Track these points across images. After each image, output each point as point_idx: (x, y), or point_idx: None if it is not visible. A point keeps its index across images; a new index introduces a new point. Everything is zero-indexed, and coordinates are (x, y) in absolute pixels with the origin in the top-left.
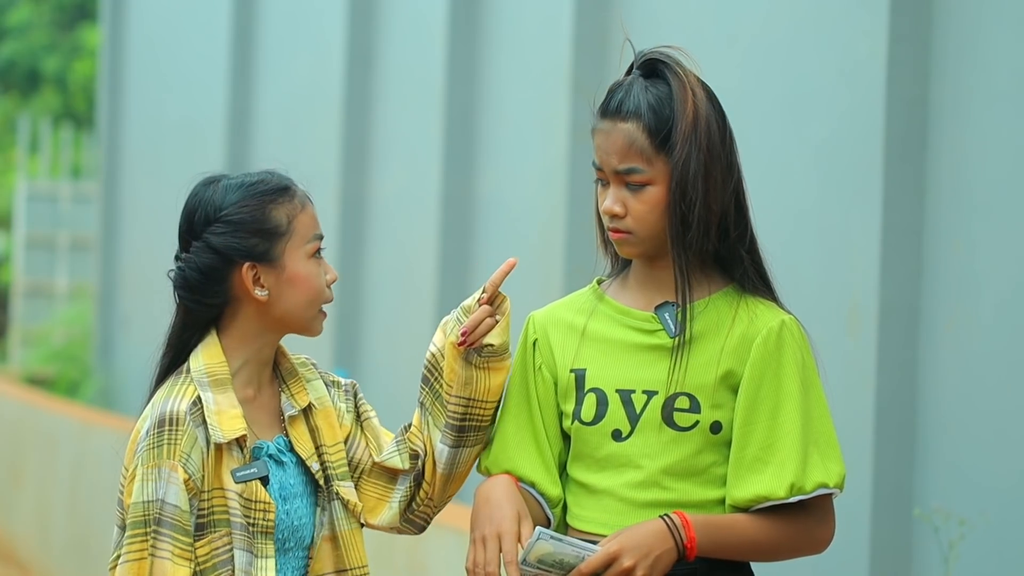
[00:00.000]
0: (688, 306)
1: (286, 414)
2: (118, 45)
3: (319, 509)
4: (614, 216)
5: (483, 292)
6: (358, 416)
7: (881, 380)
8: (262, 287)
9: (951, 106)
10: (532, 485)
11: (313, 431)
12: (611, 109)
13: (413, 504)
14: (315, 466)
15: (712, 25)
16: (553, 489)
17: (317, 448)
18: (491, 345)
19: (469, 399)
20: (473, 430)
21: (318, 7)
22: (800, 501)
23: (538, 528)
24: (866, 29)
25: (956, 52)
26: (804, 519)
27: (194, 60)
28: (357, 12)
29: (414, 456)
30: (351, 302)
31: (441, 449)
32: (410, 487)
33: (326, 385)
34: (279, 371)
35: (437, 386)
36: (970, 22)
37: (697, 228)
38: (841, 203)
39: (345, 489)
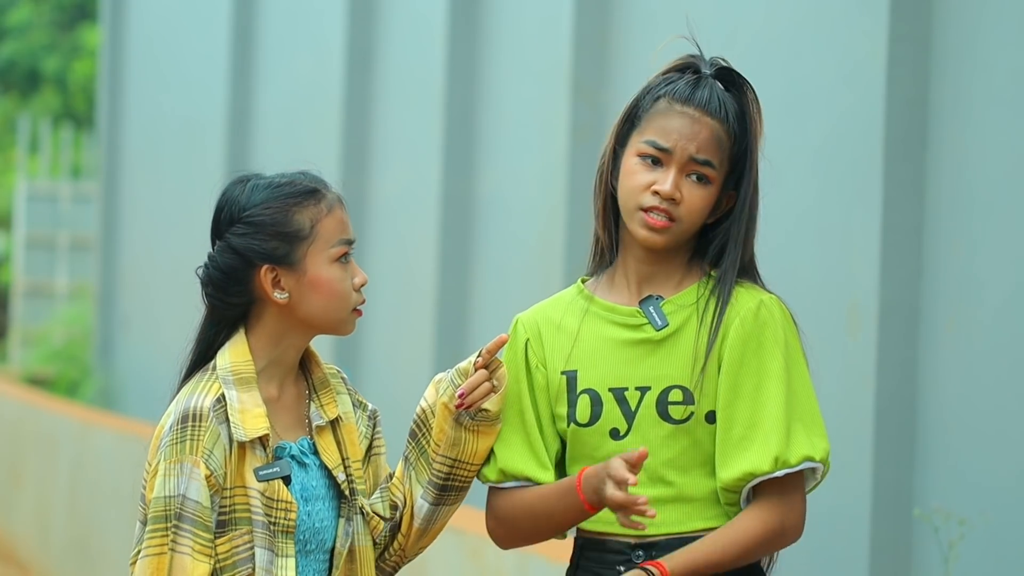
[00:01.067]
0: (724, 304)
1: (314, 423)
2: (118, 45)
3: (344, 520)
4: (670, 199)
5: (478, 356)
6: (370, 447)
7: (881, 380)
8: (282, 290)
9: (951, 106)
10: (526, 479)
11: (340, 443)
12: (699, 100)
13: (386, 553)
14: (341, 476)
15: (712, 25)
16: (543, 474)
17: (344, 460)
18: (486, 410)
19: (455, 460)
20: (455, 490)
21: (318, 7)
22: (775, 487)
23: None
24: (866, 29)
25: (956, 52)
26: (776, 506)
27: (194, 60)
28: (357, 12)
29: (394, 507)
30: None
31: (421, 504)
32: (385, 536)
33: (353, 404)
34: (311, 380)
35: (424, 442)
36: (970, 22)
37: (750, 238)
38: (841, 203)
39: (368, 504)
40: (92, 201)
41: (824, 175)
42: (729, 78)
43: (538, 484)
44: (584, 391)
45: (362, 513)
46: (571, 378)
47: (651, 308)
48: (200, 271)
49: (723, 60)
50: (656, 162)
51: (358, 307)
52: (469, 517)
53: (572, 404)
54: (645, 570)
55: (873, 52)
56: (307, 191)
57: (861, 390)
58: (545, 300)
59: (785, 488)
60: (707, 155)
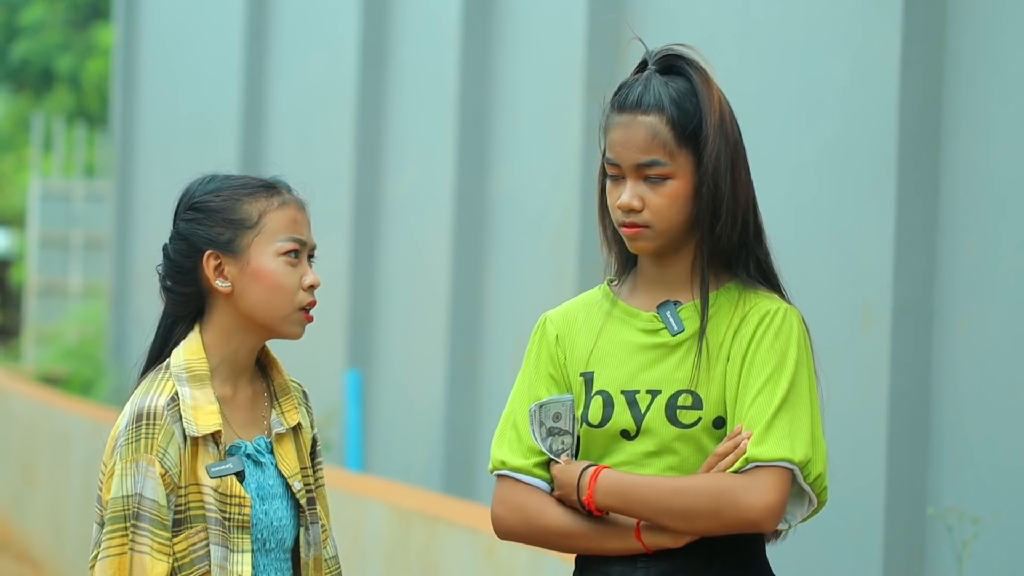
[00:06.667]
0: (702, 299)
1: (274, 431)
2: (132, 44)
3: (303, 529)
4: (631, 211)
5: None
6: (315, 475)
7: (894, 379)
8: (225, 278)
9: (965, 106)
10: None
11: (300, 451)
12: (630, 103)
13: None
14: (297, 484)
15: (726, 25)
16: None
17: (303, 469)
18: None
19: None
20: None
21: (332, 6)
22: (748, 471)
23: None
24: (879, 29)
25: (970, 52)
26: (732, 482)
27: (207, 59)
28: (371, 11)
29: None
30: (365, 301)
31: None
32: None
33: (310, 423)
34: (272, 385)
35: None
36: (984, 22)
37: (726, 221)
38: (854, 202)
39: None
40: (106, 200)
41: (838, 174)
42: (670, 62)
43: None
44: (598, 392)
45: (319, 523)
46: (588, 379)
47: (668, 313)
48: (158, 267)
49: (673, 48)
50: (620, 177)
51: (306, 308)
52: (483, 516)
53: (586, 405)
54: (585, 469)
55: (887, 51)
56: (261, 185)
57: (874, 389)
58: (571, 300)
59: (756, 472)
60: (650, 155)
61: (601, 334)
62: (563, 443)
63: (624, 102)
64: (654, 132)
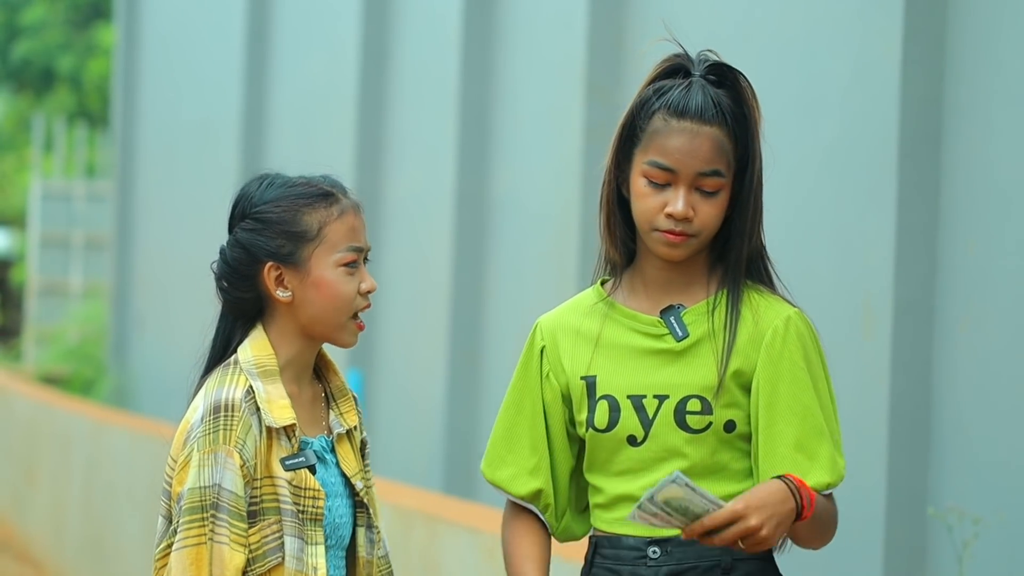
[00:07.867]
0: (731, 307)
1: (335, 431)
2: (133, 44)
3: (363, 528)
4: (685, 219)
5: None
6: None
7: (895, 379)
8: (285, 288)
9: (966, 106)
10: (527, 500)
11: (355, 452)
12: (692, 111)
13: None
14: (359, 484)
15: (726, 24)
16: (528, 484)
17: (361, 470)
18: None
19: None
20: None
21: (333, 6)
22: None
23: (676, 471)
24: (880, 28)
25: (971, 52)
26: (836, 508)
27: (209, 59)
28: (372, 11)
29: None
30: None
31: None
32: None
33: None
34: (328, 387)
35: None
36: (985, 21)
37: (760, 228)
38: (855, 203)
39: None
40: (106, 200)
41: (838, 174)
42: (719, 72)
43: (518, 496)
44: (603, 397)
45: (374, 524)
46: (590, 383)
47: (672, 319)
48: (214, 265)
49: (711, 53)
50: (664, 182)
51: (360, 313)
52: (484, 516)
53: (591, 410)
54: (784, 478)
55: (887, 51)
56: (320, 194)
57: (875, 389)
58: (565, 304)
59: (831, 497)
60: (713, 165)
61: (601, 337)
62: (704, 496)
63: (684, 109)
64: (720, 144)
